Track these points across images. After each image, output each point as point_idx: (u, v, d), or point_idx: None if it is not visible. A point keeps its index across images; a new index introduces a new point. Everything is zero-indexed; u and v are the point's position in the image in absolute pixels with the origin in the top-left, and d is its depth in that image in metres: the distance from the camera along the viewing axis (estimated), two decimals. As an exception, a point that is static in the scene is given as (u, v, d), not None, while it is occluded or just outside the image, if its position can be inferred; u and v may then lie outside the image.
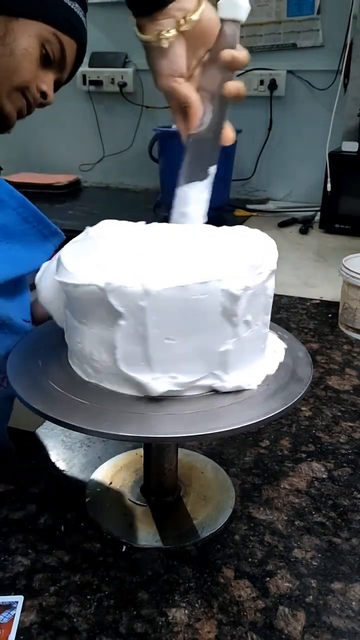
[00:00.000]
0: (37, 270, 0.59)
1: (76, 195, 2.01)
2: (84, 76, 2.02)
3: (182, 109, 0.59)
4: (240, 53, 0.57)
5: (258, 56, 1.83)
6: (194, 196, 0.59)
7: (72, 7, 0.68)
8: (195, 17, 0.54)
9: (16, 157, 2.20)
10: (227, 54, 0.56)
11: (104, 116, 2.09)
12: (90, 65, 2.00)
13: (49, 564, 0.49)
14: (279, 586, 0.48)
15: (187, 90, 0.57)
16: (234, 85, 0.58)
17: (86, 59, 1.98)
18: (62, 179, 2.01)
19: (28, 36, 0.66)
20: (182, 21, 0.54)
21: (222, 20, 0.56)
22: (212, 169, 0.59)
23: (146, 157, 1.65)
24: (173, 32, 0.55)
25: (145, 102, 1.99)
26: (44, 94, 0.70)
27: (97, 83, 2.02)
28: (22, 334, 0.62)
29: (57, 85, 0.74)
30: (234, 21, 0.56)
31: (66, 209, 1.79)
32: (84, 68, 2.01)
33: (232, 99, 0.58)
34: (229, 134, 0.60)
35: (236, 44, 0.57)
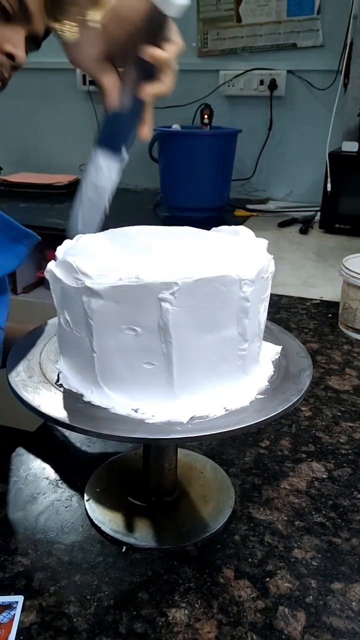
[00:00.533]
0: (8, 275, 0.59)
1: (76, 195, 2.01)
2: (84, 76, 2.02)
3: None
4: (164, 54, 0.54)
5: (258, 56, 1.83)
6: (106, 169, 0.59)
7: None
8: (97, 16, 0.50)
9: (16, 157, 2.20)
10: (148, 52, 0.53)
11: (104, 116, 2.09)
12: (90, 65, 2.00)
13: (49, 564, 0.49)
14: (279, 586, 0.48)
15: (99, 73, 0.55)
16: (153, 89, 0.55)
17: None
18: (62, 179, 2.01)
19: None
20: (87, 14, 0.50)
21: (153, 7, 0.52)
22: (125, 153, 0.58)
23: (146, 157, 1.65)
24: (75, 28, 0.51)
25: (145, 102, 1.99)
26: (10, 56, 0.59)
27: (97, 83, 2.02)
28: None
29: (37, 40, 0.62)
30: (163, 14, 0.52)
31: (66, 209, 1.77)
32: (84, 68, 2.01)
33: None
34: (144, 129, 0.58)
35: (166, 32, 0.53)
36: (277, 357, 0.52)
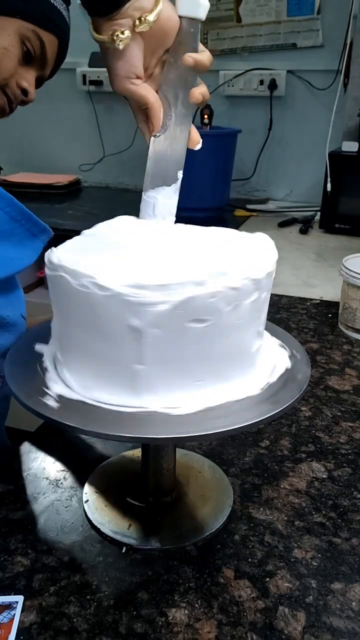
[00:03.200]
0: (26, 268, 0.60)
1: (76, 195, 2.01)
2: (84, 76, 2.02)
3: (143, 110, 0.57)
4: (202, 55, 0.55)
5: (258, 56, 1.83)
6: (163, 202, 0.58)
7: (53, 2, 0.66)
8: (151, 17, 0.52)
9: (16, 157, 2.20)
10: (188, 58, 0.55)
11: (104, 116, 2.09)
12: (90, 65, 2.00)
13: (49, 564, 0.49)
14: (279, 586, 0.48)
15: (145, 91, 0.56)
16: (199, 92, 0.56)
17: (86, 59, 1.99)
18: (62, 179, 2.01)
19: (7, 34, 0.64)
20: (137, 21, 0.52)
21: (181, 18, 0.54)
22: (180, 174, 0.58)
23: (146, 157, 1.65)
24: (128, 33, 0.52)
25: (145, 102, 1.98)
26: (24, 91, 0.68)
27: (97, 83, 2.02)
28: (18, 331, 0.62)
29: (40, 82, 0.72)
30: (193, 19, 0.54)
31: (66, 209, 1.79)
32: (84, 68, 2.01)
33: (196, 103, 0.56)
34: (195, 137, 0.59)
35: (197, 43, 0.55)
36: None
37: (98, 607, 0.45)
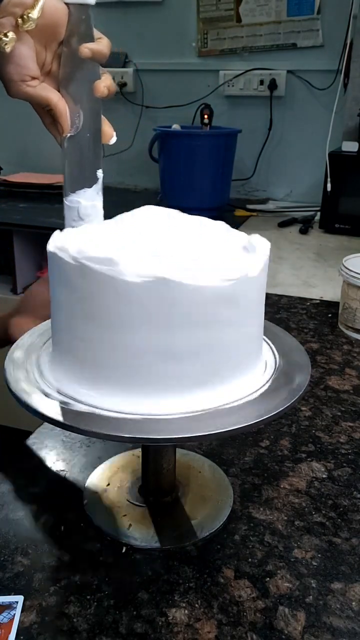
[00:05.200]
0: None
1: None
2: (84, 76, 2.02)
3: (48, 112, 0.53)
4: (99, 44, 0.51)
5: (258, 56, 1.83)
6: (87, 205, 0.54)
7: None
8: (35, 13, 0.47)
9: (16, 157, 2.20)
10: (84, 49, 0.50)
11: (104, 116, 2.09)
12: (90, 65, 2.00)
13: (49, 564, 0.49)
14: (279, 586, 0.48)
15: (46, 92, 0.51)
16: (104, 85, 0.52)
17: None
18: (62, 179, 2.01)
19: None
20: (20, 20, 0.47)
21: (68, 5, 0.50)
22: (100, 173, 0.54)
23: (146, 157, 1.65)
24: (12, 34, 0.47)
25: (145, 102, 1.99)
26: None
27: (97, 83, 2.02)
28: None
29: None
30: (82, 5, 0.50)
31: (66, 209, 1.79)
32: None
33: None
34: (107, 131, 0.55)
35: (91, 30, 0.51)
36: None
37: (98, 607, 0.45)
